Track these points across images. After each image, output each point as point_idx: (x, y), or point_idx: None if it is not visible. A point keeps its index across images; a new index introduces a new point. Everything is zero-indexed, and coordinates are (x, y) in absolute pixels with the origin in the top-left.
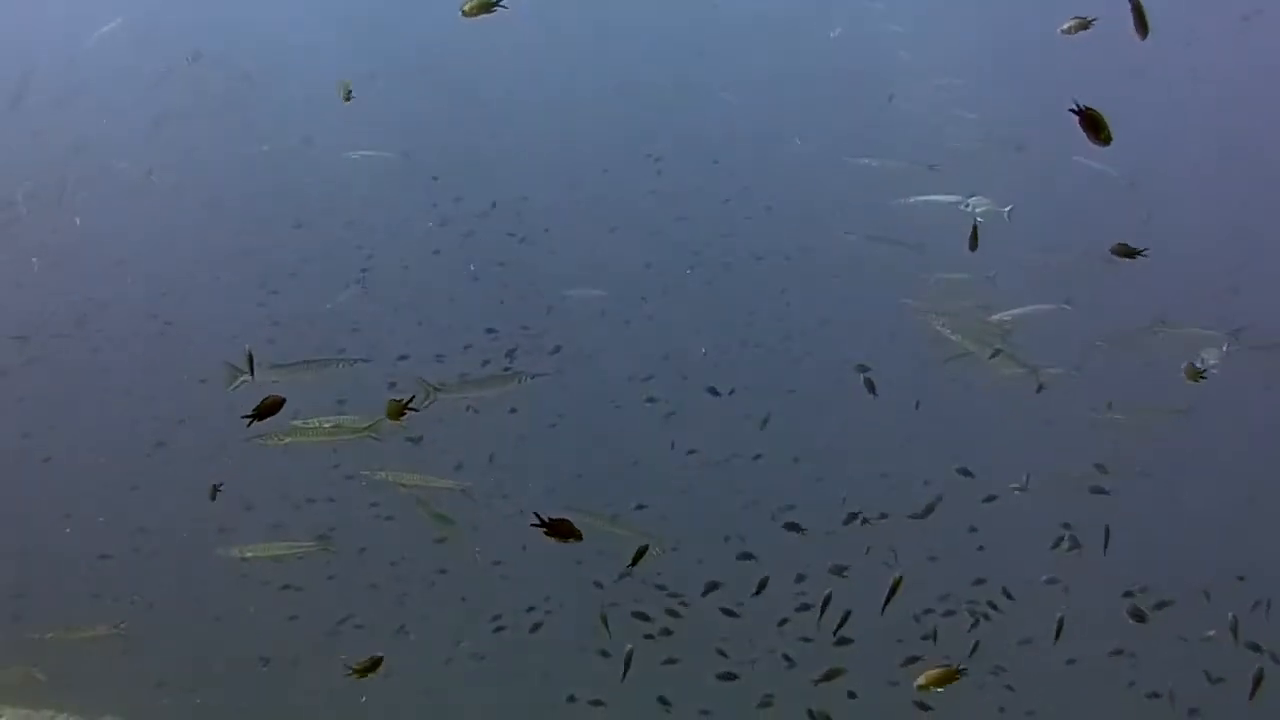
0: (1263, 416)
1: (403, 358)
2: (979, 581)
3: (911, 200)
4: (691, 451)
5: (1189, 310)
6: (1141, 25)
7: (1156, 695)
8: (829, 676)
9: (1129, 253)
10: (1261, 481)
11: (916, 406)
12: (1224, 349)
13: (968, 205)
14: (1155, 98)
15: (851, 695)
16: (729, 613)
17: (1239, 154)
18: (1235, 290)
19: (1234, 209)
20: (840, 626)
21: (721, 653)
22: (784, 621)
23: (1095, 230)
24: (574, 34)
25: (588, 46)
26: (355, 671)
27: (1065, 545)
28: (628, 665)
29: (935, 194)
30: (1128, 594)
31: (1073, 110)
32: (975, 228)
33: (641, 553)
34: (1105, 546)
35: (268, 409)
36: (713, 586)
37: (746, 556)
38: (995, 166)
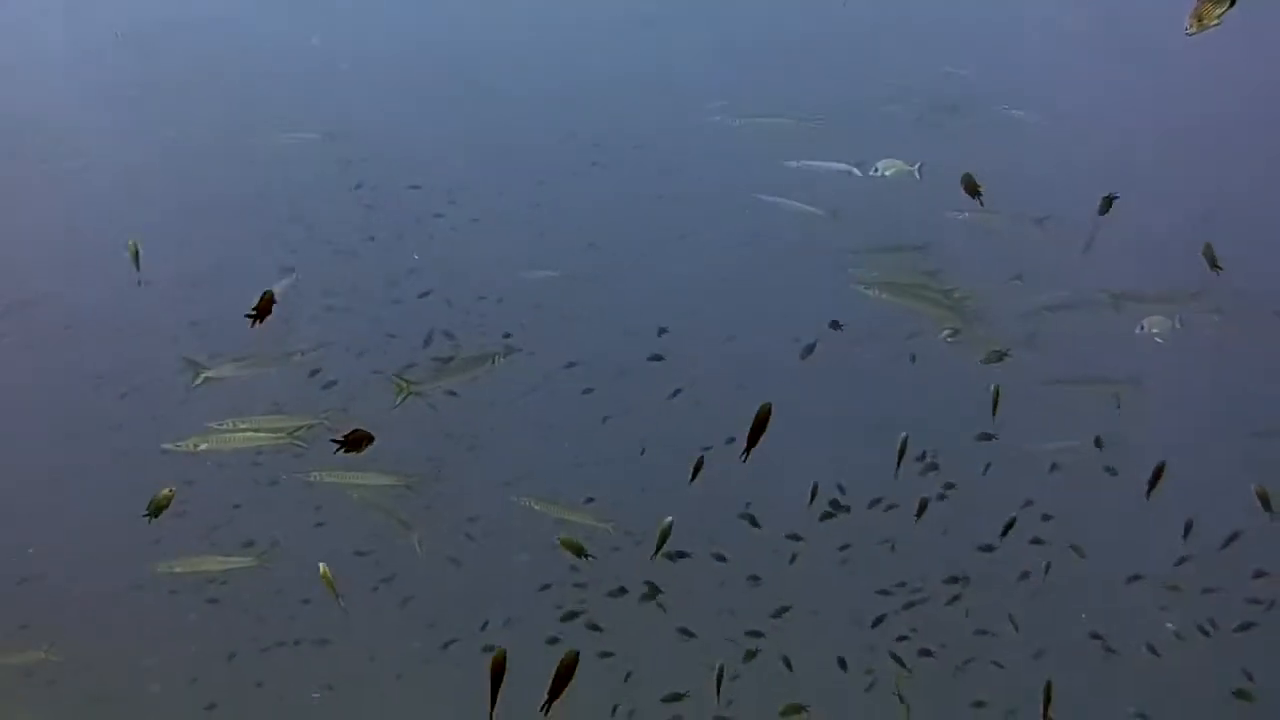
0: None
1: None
2: (952, 579)
3: (799, 163)
4: (643, 452)
5: (1144, 276)
6: None
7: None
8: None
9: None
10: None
11: (913, 360)
12: (1176, 320)
13: (876, 170)
14: (1100, 55)
15: (842, 664)
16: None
17: (1197, 111)
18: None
19: (1194, 168)
20: (920, 513)
21: (686, 631)
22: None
23: (1038, 192)
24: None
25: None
26: None
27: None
28: (663, 539)
29: (889, 159)
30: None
31: None
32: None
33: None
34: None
35: (264, 307)
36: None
37: (680, 555)
38: (929, 131)
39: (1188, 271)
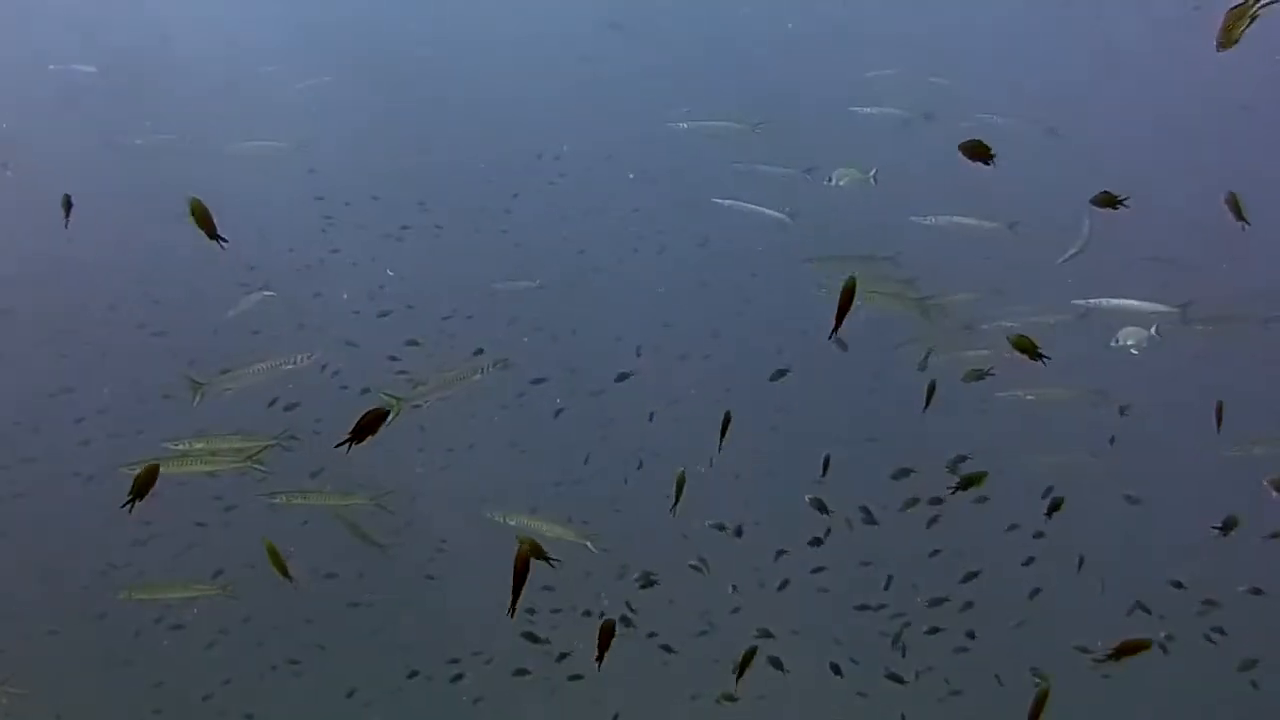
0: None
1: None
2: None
3: (749, 167)
4: (626, 481)
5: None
6: None
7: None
8: None
9: (1111, 202)
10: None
11: (921, 368)
12: (1153, 329)
13: (831, 180)
14: (1077, 53)
15: (835, 669)
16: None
17: (1181, 120)
18: (1175, 261)
19: (1178, 176)
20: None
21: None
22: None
23: (1018, 200)
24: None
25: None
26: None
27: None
28: (680, 490)
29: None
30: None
31: None
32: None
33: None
34: None
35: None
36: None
37: (649, 583)
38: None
39: (1175, 280)
